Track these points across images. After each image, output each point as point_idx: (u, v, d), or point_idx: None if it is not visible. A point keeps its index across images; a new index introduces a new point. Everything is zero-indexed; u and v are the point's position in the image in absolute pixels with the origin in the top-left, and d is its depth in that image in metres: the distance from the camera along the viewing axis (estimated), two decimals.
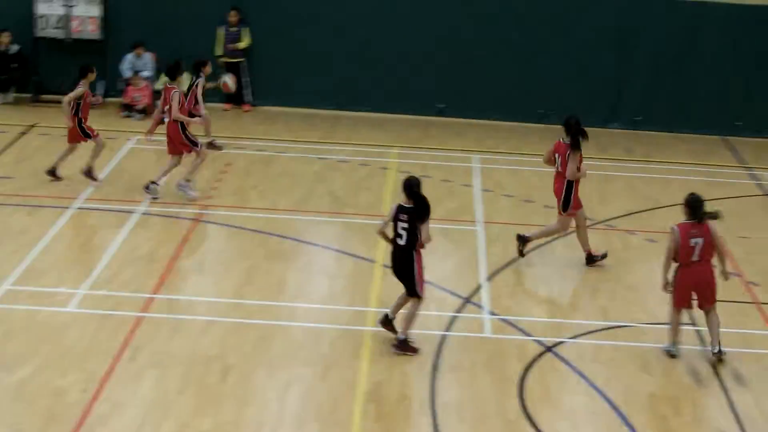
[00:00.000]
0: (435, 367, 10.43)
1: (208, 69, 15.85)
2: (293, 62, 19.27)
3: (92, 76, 15.09)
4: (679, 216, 11.15)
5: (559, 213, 12.85)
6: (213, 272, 12.77)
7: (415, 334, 10.84)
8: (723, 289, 11.08)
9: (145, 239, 13.36)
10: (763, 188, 17.00)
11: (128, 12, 19.09)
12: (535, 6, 19.14)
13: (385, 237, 10.70)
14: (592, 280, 12.91)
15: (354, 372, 10.27)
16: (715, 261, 10.86)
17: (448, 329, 11.32)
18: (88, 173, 14.85)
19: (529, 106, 19.29)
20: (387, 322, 10.84)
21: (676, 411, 9.94)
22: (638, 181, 16.78)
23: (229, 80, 16.72)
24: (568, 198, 12.70)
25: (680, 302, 10.91)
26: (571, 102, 17.65)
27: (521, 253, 13.07)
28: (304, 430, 9.30)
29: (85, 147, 15.02)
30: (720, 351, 10.76)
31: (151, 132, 14.97)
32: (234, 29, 18.87)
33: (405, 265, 10.57)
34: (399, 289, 10.80)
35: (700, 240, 10.63)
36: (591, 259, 13.07)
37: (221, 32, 18.89)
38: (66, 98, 14.67)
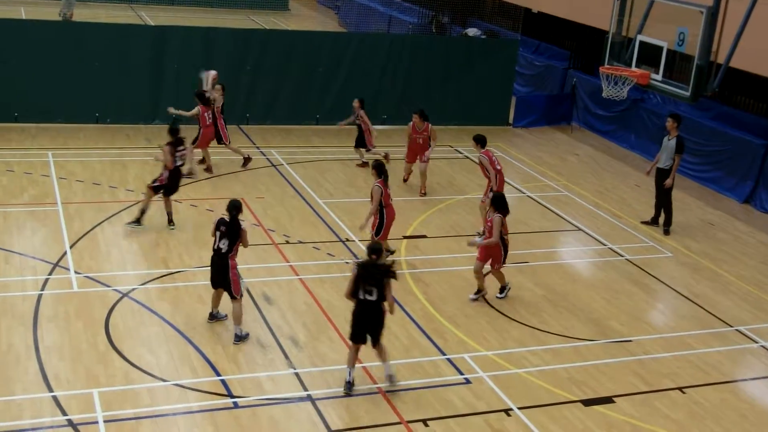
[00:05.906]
0: (36, 320, 12.73)
1: None
2: None
3: None
4: None
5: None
6: None
7: (16, 297, 13.20)
8: (252, 237, 14.49)
9: None
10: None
11: None
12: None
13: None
14: (153, 238, 15.95)
15: None
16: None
17: (43, 289, 13.68)
18: None
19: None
20: (212, 317, 13.19)
21: (225, 328, 13.11)
22: None
23: None
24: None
25: None
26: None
27: None
28: None
29: None
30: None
31: None
32: None
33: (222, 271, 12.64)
34: None
35: None
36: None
37: None
38: None
